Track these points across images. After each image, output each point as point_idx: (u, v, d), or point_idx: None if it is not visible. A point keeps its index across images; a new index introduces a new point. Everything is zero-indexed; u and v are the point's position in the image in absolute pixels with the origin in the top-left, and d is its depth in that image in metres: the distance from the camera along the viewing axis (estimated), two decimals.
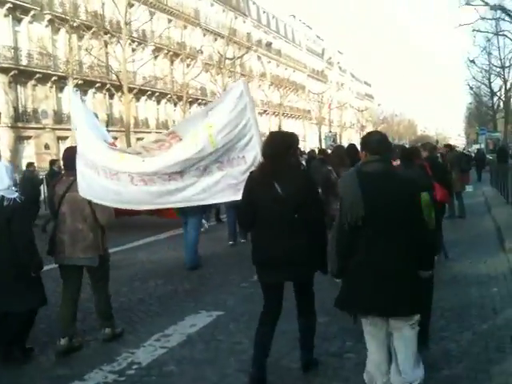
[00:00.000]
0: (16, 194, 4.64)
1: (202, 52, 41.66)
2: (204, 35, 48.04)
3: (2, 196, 4.53)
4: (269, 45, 48.75)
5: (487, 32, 33.82)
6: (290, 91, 58.97)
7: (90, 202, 4.96)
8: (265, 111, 58.37)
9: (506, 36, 29.77)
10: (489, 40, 38.96)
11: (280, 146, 4.00)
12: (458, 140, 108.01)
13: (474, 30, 32.19)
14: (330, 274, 3.78)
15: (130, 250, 10.35)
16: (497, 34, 32.95)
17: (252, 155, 4.70)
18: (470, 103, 71.95)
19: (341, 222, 3.33)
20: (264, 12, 65.25)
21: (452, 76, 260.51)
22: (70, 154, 5.18)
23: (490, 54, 41.68)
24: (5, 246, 4.51)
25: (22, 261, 4.55)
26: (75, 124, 5.69)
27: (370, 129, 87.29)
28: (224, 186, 4.82)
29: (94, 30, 30.60)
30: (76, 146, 5.22)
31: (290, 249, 3.83)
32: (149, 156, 5.00)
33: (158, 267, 8.64)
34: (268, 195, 3.89)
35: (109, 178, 4.97)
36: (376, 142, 3.41)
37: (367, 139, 3.47)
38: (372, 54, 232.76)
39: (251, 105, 4.81)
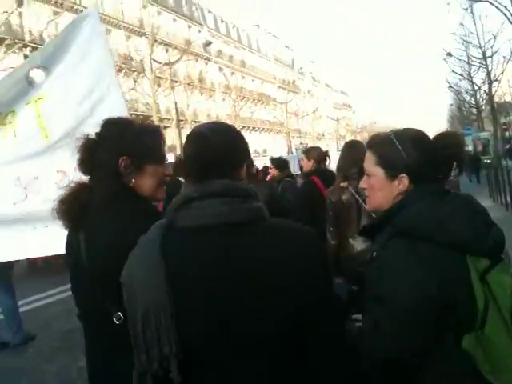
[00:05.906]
0: None
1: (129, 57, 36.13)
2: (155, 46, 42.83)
3: None
4: (208, 44, 43.18)
5: None
6: (254, 103, 54.21)
7: None
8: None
9: (490, 2, 23.92)
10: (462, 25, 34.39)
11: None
12: None
13: None
14: None
15: None
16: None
17: None
18: (451, 104, 67.47)
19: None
20: (222, 21, 60.60)
21: (433, 78, 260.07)
22: None
23: (467, 42, 36.31)
24: None
25: None
26: None
27: (348, 138, 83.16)
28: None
29: None
30: None
31: None
32: None
33: None
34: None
35: None
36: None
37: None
38: (346, 63, 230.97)
39: (109, 55, 2.86)
